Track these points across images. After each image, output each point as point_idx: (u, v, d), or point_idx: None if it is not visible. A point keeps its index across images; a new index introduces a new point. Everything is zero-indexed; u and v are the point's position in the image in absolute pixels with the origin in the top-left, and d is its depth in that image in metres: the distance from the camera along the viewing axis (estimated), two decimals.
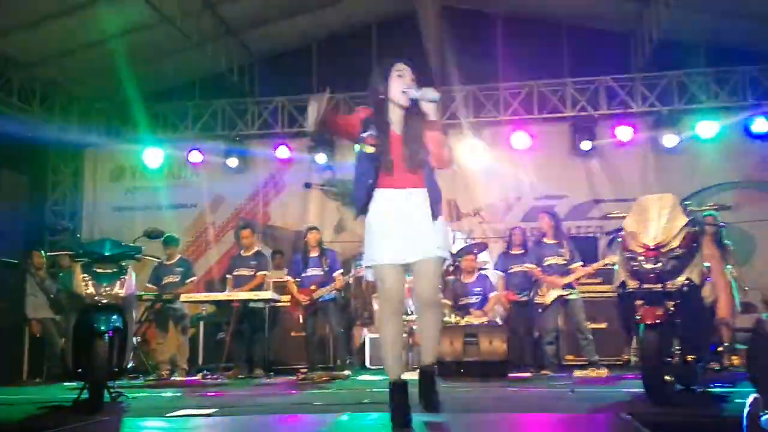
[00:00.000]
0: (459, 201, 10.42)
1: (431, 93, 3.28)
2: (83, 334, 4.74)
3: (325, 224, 10.65)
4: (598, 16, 10.24)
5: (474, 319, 7.52)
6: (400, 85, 3.36)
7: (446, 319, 7.60)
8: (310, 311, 7.70)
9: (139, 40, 9.12)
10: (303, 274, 7.78)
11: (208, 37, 9.44)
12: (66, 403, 4.90)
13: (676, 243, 4.23)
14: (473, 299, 7.81)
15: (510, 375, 7.09)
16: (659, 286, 4.22)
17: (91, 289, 4.84)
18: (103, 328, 4.66)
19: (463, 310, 7.72)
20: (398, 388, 3.32)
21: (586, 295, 7.70)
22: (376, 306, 8.93)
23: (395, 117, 3.39)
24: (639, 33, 10.01)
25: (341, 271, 7.83)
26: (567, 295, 7.25)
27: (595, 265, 7.43)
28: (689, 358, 4.36)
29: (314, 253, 7.81)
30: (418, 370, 3.55)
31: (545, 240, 7.55)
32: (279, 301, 8.31)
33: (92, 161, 11.39)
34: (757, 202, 9.65)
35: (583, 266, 7.44)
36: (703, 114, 9.66)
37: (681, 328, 4.28)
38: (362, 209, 3.39)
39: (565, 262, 7.36)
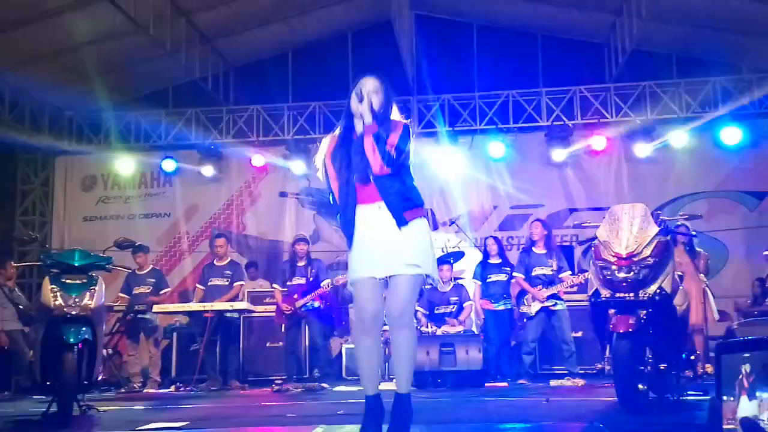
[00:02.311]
0: (435, 210, 10.46)
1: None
2: (52, 346, 4.65)
3: (301, 233, 10.60)
4: (572, 27, 10.35)
5: (450, 328, 7.52)
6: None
7: (422, 328, 7.60)
8: (293, 321, 7.64)
9: (112, 48, 9.03)
10: (288, 283, 7.72)
11: (181, 44, 9.35)
12: (35, 417, 4.80)
13: (647, 252, 4.27)
14: (449, 308, 7.82)
15: (486, 384, 7.09)
16: (631, 295, 4.25)
17: (59, 301, 4.75)
18: (72, 340, 4.57)
19: (438, 319, 7.72)
20: (372, 401, 3.30)
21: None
22: (352, 316, 8.89)
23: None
24: (612, 43, 10.13)
25: (329, 280, 7.76)
26: (552, 306, 7.26)
27: (582, 277, 7.43)
28: (662, 366, 4.40)
29: (301, 263, 7.76)
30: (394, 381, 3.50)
31: (535, 249, 7.53)
32: (254, 312, 8.24)
33: (63, 170, 11.20)
34: (728, 212, 9.81)
35: (572, 276, 7.46)
36: (675, 124, 9.79)
37: (653, 336, 4.31)
38: (349, 236, 3.29)
39: (552, 272, 7.37)
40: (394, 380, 3.45)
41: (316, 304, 7.66)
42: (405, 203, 3.25)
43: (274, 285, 7.95)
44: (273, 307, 8.03)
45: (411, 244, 3.23)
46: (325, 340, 8.01)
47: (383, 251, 3.22)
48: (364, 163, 3.21)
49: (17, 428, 4.71)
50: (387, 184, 3.23)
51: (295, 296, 7.59)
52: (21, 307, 8.21)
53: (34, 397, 6.33)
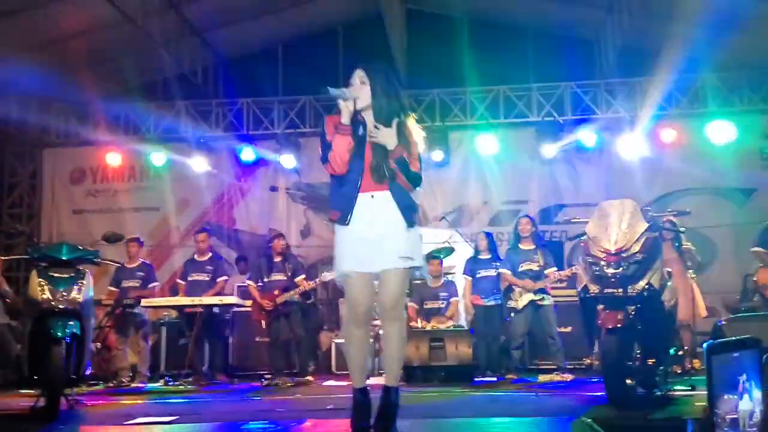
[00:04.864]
0: (425, 206, 10.45)
1: (334, 90, 3.24)
2: (40, 340, 4.63)
3: (292, 228, 10.58)
4: (563, 23, 10.36)
5: (440, 323, 7.53)
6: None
7: (412, 323, 7.60)
8: (273, 316, 7.63)
9: (101, 39, 8.96)
10: (266, 279, 7.71)
11: (171, 37, 9.30)
12: (22, 411, 4.78)
13: (636, 248, 4.29)
14: (440, 303, 7.83)
15: (476, 380, 7.12)
16: (620, 290, 4.28)
17: (47, 294, 4.72)
18: (60, 334, 4.55)
19: (428, 314, 7.73)
20: (360, 394, 3.32)
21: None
22: (342, 311, 8.89)
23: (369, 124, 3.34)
24: (603, 39, 10.15)
25: (303, 276, 7.78)
26: (540, 300, 7.29)
27: (568, 271, 7.46)
28: (650, 361, 4.43)
29: (278, 259, 7.76)
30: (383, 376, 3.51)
31: (521, 246, 7.54)
32: (243, 306, 8.22)
33: (51, 162, 11.12)
34: (716, 208, 9.85)
35: (557, 271, 7.49)
36: (664, 120, 9.83)
37: (642, 332, 4.34)
38: (344, 218, 3.30)
39: (539, 268, 7.39)
40: (384, 375, 3.46)
41: (296, 298, 7.66)
42: (413, 204, 3.34)
43: (248, 282, 7.91)
44: None
45: (404, 237, 3.27)
46: (307, 332, 8.01)
47: (377, 246, 3.25)
48: (387, 166, 3.25)
49: (5, 422, 4.68)
50: (400, 189, 3.30)
51: (276, 292, 7.58)
52: (8, 300, 8.15)
53: (22, 391, 6.29)
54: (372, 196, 3.27)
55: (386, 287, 3.28)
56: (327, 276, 7.53)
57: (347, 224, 3.28)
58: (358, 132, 3.29)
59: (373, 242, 3.24)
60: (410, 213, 3.30)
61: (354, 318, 3.35)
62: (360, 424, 3.25)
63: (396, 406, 3.33)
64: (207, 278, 7.92)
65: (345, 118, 3.25)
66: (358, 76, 3.33)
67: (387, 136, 3.25)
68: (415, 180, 3.29)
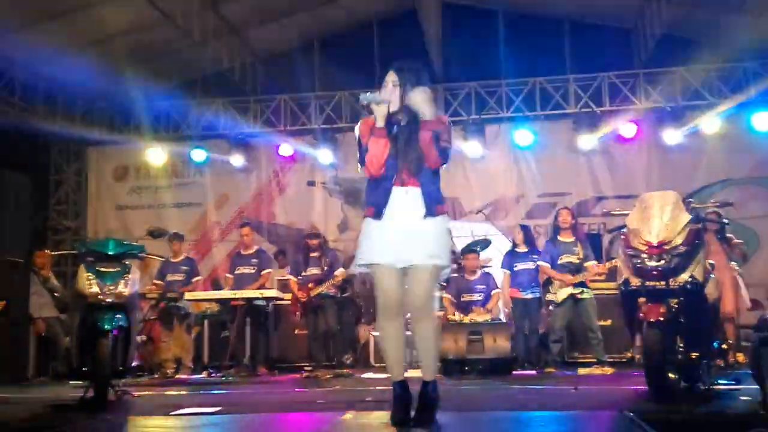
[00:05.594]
0: (461, 199, 10.43)
1: (366, 96, 3.29)
2: (88, 333, 4.78)
3: (329, 223, 10.67)
4: (600, 12, 10.22)
5: (478, 316, 7.52)
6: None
7: (449, 316, 7.61)
8: (309, 309, 7.73)
9: (141, 39, 9.13)
10: (303, 273, 7.81)
11: (209, 35, 9.44)
12: (71, 402, 4.93)
13: (679, 240, 4.23)
14: (476, 296, 7.81)
15: (514, 373, 7.10)
16: (662, 283, 4.22)
17: (95, 288, 4.87)
18: (107, 326, 4.70)
19: (466, 307, 7.73)
20: (399, 387, 3.33)
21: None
22: None
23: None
24: (641, 28, 9.98)
25: (342, 269, 7.83)
26: (579, 293, 7.23)
27: (608, 264, 7.37)
28: (693, 355, 4.36)
29: (315, 254, 7.85)
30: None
31: (561, 238, 7.45)
32: (283, 299, 8.33)
33: (95, 160, 11.41)
34: (760, 199, 9.64)
35: (597, 264, 7.40)
36: (706, 110, 9.63)
37: (684, 325, 4.28)
38: (378, 212, 3.33)
39: (578, 260, 7.32)
40: (420, 369, 3.48)
41: (331, 292, 7.74)
42: (438, 197, 3.34)
43: (289, 276, 8.03)
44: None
45: (433, 236, 3.28)
46: (344, 325, 8.09)
47: (406, 241, 3.25)
48: (417, 155, 3.28)
49: (55, 412, 4.83)
50: (429, 176, 3.32)
51: (310, 285, 7.67)
52: (56, 294, 8.40)
53: (71, 382, 6.47)
54: (407, 192, 3.30)
55: (414, 285, 3.27)
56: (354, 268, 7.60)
57: (381, 219, 3.30)
58: (392, 132, 3.32)
59: (402, 237, 3.25)
60: (432, 203, 3.28)
61: (385, 311, 3.34)
62: (400, 417, 3.26)
63: (435, 399, 3.35)
64: (253, 271, 8.06)
65: (379, 122, 3.30)
66: (390, 79, 3.36)
67: (423, 102, 3.27)
68: (443, 153, 3.29)
